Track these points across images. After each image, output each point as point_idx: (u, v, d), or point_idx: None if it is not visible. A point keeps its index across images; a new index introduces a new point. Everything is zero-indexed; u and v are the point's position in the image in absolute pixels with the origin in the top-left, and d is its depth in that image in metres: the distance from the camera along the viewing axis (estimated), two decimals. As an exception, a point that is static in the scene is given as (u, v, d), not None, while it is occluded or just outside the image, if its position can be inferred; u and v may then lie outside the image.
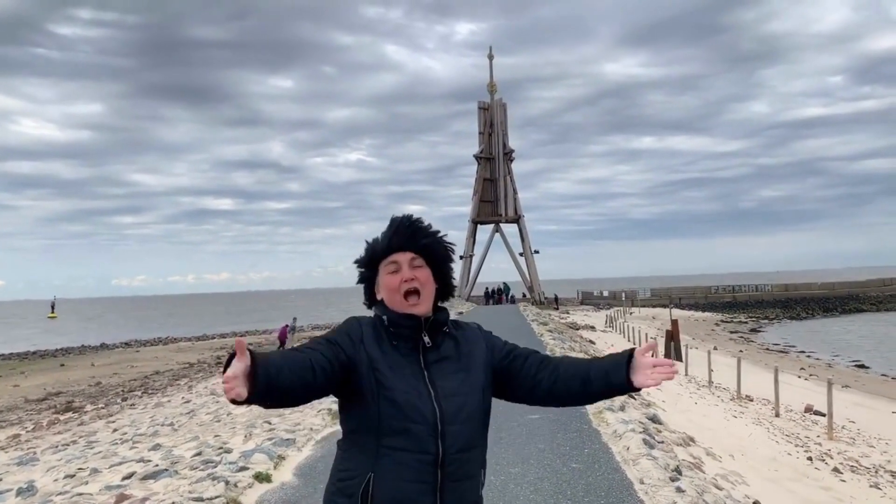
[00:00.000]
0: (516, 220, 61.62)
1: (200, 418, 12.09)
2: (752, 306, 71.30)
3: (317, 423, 9.12)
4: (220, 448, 7.85)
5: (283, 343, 29.25)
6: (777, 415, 15.61)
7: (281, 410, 10.51)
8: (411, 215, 2.18)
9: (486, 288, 61.18)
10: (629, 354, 2.10)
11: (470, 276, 61.03)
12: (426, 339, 2.08)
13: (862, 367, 30.05)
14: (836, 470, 10.74)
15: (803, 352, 36.23)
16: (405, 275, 2.09)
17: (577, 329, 37.01)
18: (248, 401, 1.72)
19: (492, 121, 61.06)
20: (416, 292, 2.08)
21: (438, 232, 2.18)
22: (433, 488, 1.97)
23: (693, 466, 7.22)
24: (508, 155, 61.14)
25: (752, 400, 17.82)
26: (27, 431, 16.52)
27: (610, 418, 8.60)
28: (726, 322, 55.71)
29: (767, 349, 37.70)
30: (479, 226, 62.22)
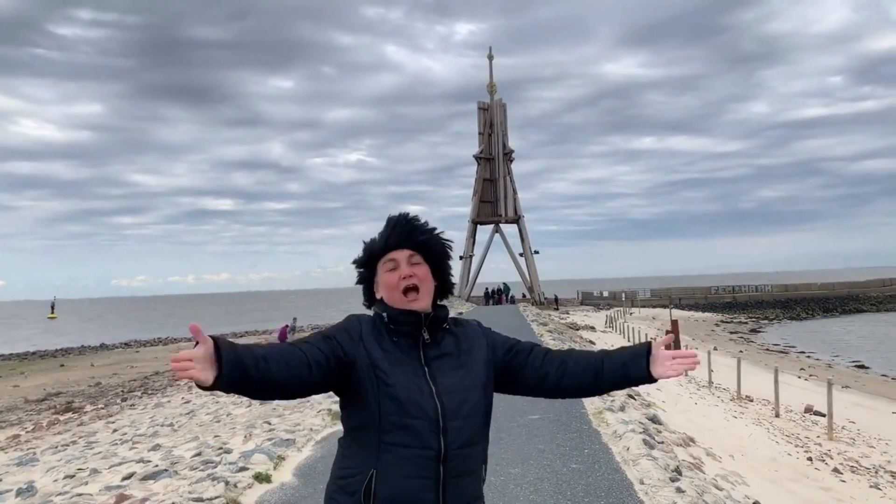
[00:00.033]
0: (516, 220, 61.60)
1: (200, 419, 12.08)
2: (752, 307, 71.22)
3: (317, 423, 9.11)
4: (220, 448, 7.85)
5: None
6: (777, 415, 15.60)
7: (281, 411, 10.53)
8: (408, 213, 2.18)
9: (486, 288, 61.15)
10: (647, 347, 2.14)
11: (470, 276, 60.99)
12: (426, 335, 2.08)
13: (862, 367, 30.01)
14: (836, 470, 10.73)
15: (803, 352, 36.17)
16: (404, 271, 2.10)
17: (577, 329, 37.00)
18: (218, 387, 1.75)
19: (491, 121, 61.05)
20: (415, 288, 2.09)
21: (435, 229, 2.18)
22: (435, 484, 1.97)
23: (693, 467, 7.22)
24: (508, 155, 61.13)
25: (752, 400, 17.80)
26: (27, 432, 16.49)
27: (610, 419, 8.59)
28: (726, 322, 55.64)
29: (767, 349, 37.64)
30: (478, 226, 62.18)
